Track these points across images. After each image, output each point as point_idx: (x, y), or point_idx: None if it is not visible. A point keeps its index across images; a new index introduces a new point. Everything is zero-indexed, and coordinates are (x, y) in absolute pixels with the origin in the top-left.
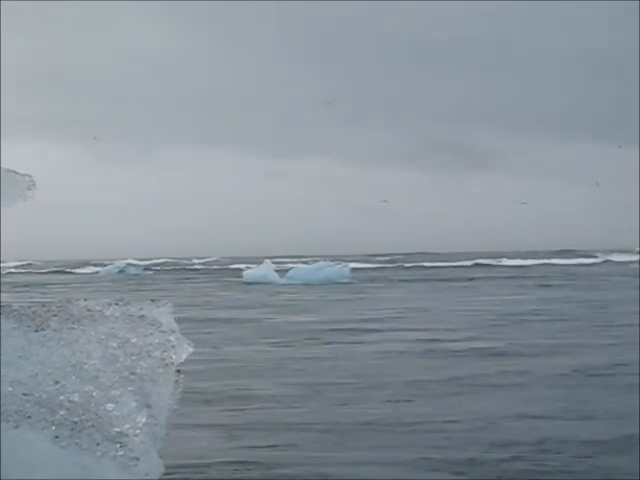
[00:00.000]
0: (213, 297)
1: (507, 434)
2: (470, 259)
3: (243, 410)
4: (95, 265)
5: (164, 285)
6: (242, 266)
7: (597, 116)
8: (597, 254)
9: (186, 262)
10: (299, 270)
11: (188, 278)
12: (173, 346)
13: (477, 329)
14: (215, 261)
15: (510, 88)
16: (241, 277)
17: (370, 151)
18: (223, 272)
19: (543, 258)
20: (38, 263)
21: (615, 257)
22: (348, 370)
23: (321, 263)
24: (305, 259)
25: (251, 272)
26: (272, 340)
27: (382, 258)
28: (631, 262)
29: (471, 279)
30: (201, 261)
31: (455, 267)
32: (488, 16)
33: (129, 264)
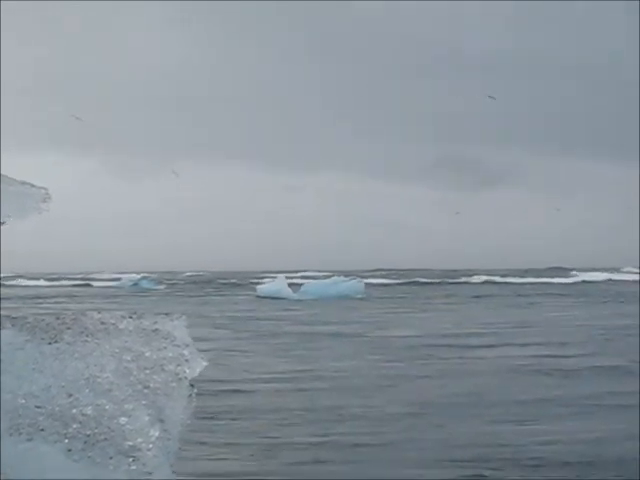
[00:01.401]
0: (279, 312)
1: (596, 457)
2: (472, 275)
3: (334, 430)
4: (86, 278)
5: (197, 300)
6: (227, 281)
7: (608, 135)
8: (574, 272)
9: (179, 274)
10: (312, 285)
11: (210, 293)
12: (187, 360)
13: (588, 345)
14: (201, 275)
15: (522, 105)
16: (254, 291)
17: (384, 166)
18: (231, 286)
19: (541, 276)
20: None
21: (594, 275)
22: (458, 388)
23: (335, 278)
24: (309, 273)
25: (265, 287)
26: (380, 356)
27: (384, 272)
28: (622, 281)
29: (523, 295)
30: (191, 274)
31: (462, 283)
32: (497, 32)
33: (143, 277)
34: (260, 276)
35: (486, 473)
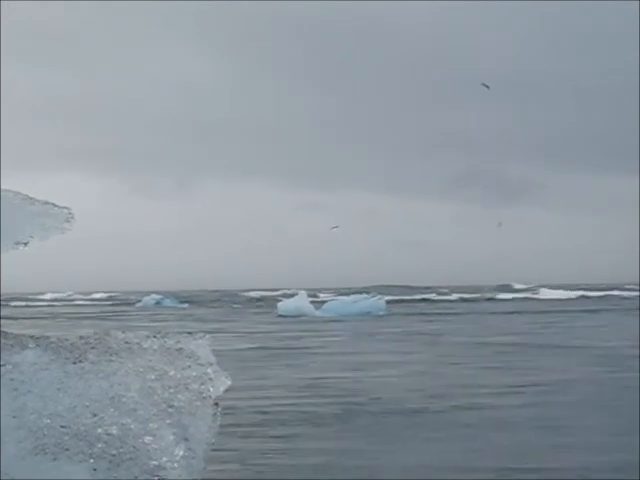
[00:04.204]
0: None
1: None
2: (491, 291)
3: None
4: (109, 298)
5: (231, 317)
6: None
7: (631, 151)
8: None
9: (197, 292)
10: (334, 303)
11: (240, 310)
12: (211, 379)
13: None
14: (219, 293)
15: (544, 121)
16: (276, 308)
17: (404, 183)
18: (252, 304)
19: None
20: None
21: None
22: None
23: (356, 296)
24: (324, 291)
25: (286, 304)
26: (597, 367)
27: (397, 289)
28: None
29: (595, 311)
30: (205, 292)
31: (472, 300)
32: (518, 49)
33: (165, 296)
34: (280, 294)
35: None
